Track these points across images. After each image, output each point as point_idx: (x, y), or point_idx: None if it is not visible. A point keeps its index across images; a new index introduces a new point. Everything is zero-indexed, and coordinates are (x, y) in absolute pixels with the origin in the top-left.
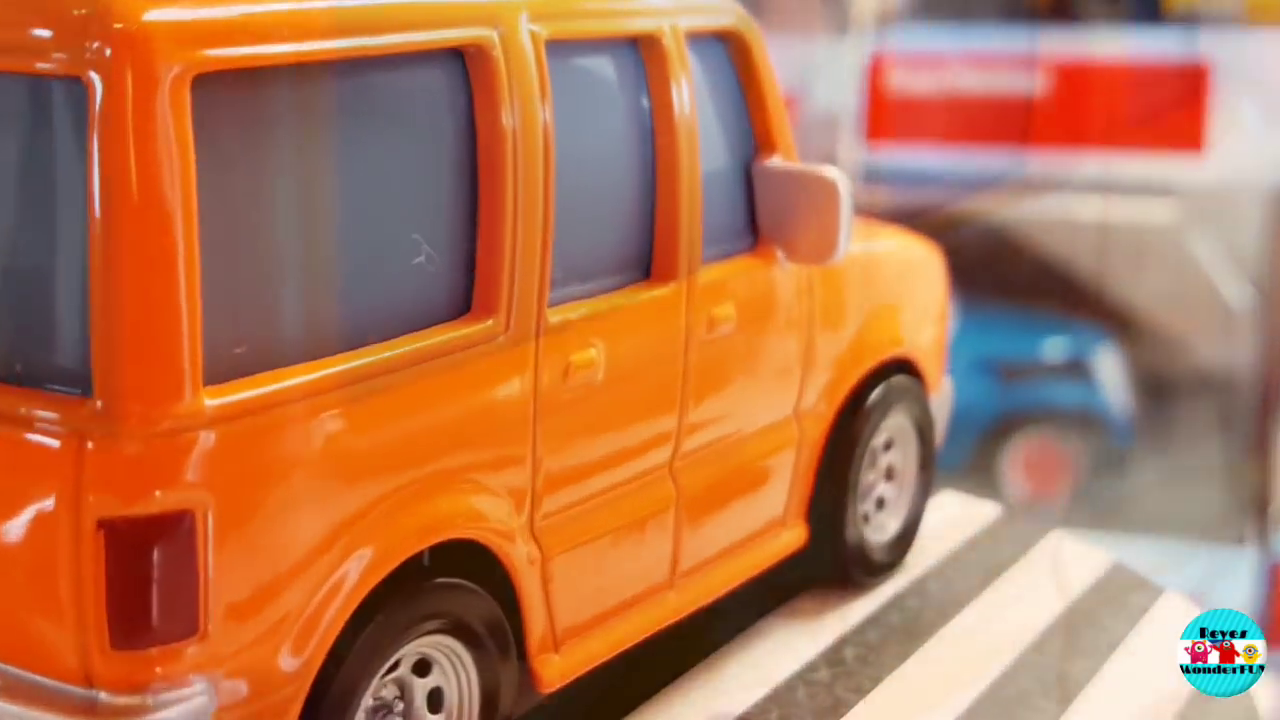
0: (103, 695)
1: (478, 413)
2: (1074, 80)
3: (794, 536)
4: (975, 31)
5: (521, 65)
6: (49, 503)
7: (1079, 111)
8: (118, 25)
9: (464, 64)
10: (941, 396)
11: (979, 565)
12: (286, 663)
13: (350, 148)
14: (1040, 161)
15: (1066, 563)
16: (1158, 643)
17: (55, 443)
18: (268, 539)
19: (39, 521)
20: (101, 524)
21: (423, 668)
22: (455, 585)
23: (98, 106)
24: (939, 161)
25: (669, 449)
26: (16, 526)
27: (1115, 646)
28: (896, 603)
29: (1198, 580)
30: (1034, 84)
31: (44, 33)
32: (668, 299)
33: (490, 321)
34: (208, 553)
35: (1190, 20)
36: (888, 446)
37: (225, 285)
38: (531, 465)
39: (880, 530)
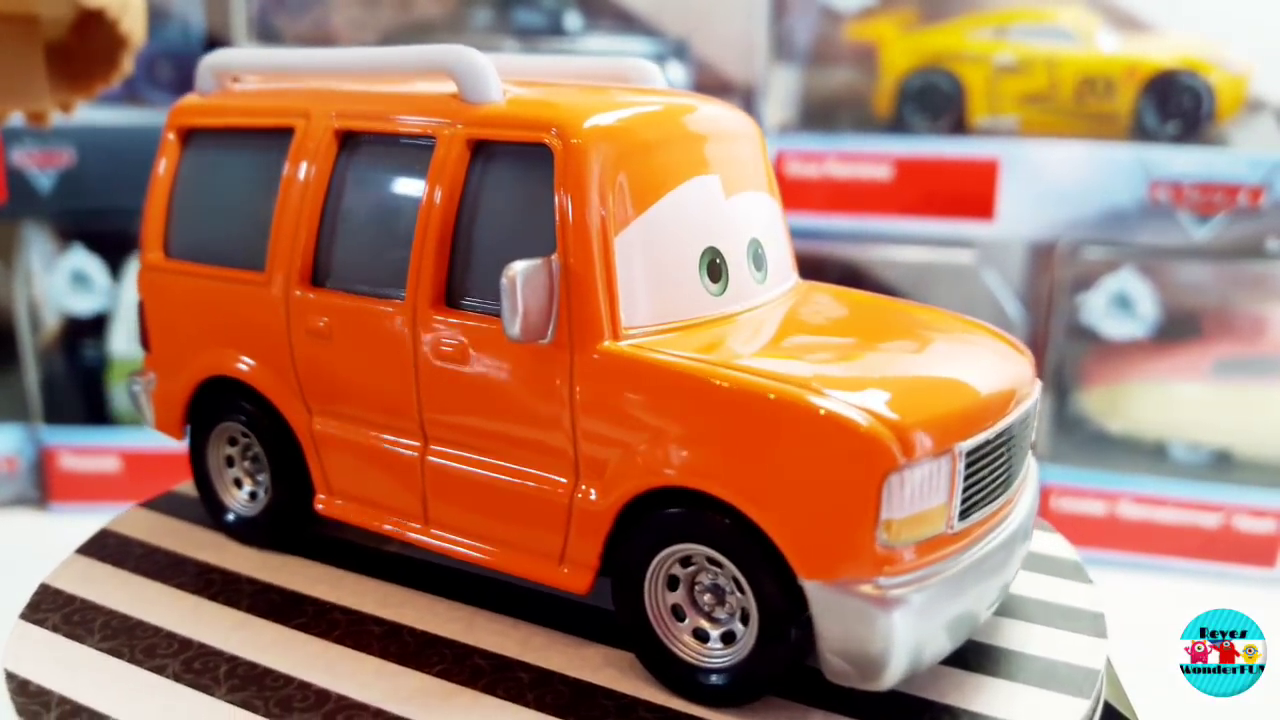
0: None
1: (253, 319)
2: (909, 171)
3: (571, 579)
4: (841, 138)
5: (315, 142)
6: None
7: (912, 192)
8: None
9: (290, 137)
10: (847, 610)
11: None
12: (175, 379)
13: (237, 173)
14: (887, 224)
15: None
16: None
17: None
18: (166, 322)
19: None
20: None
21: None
22: (238, 402)
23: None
24: (820, 223)
25: (412, 419)
26: None
27: None
28: None
29: None
30: (881, 173)
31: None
32: (389, 315)
33: (260, 278)
34: (148, 319)
35: (985, 133)
36: (742, 588)
37: (188, 224)
38: (292, 364)
39: (709, 658)
